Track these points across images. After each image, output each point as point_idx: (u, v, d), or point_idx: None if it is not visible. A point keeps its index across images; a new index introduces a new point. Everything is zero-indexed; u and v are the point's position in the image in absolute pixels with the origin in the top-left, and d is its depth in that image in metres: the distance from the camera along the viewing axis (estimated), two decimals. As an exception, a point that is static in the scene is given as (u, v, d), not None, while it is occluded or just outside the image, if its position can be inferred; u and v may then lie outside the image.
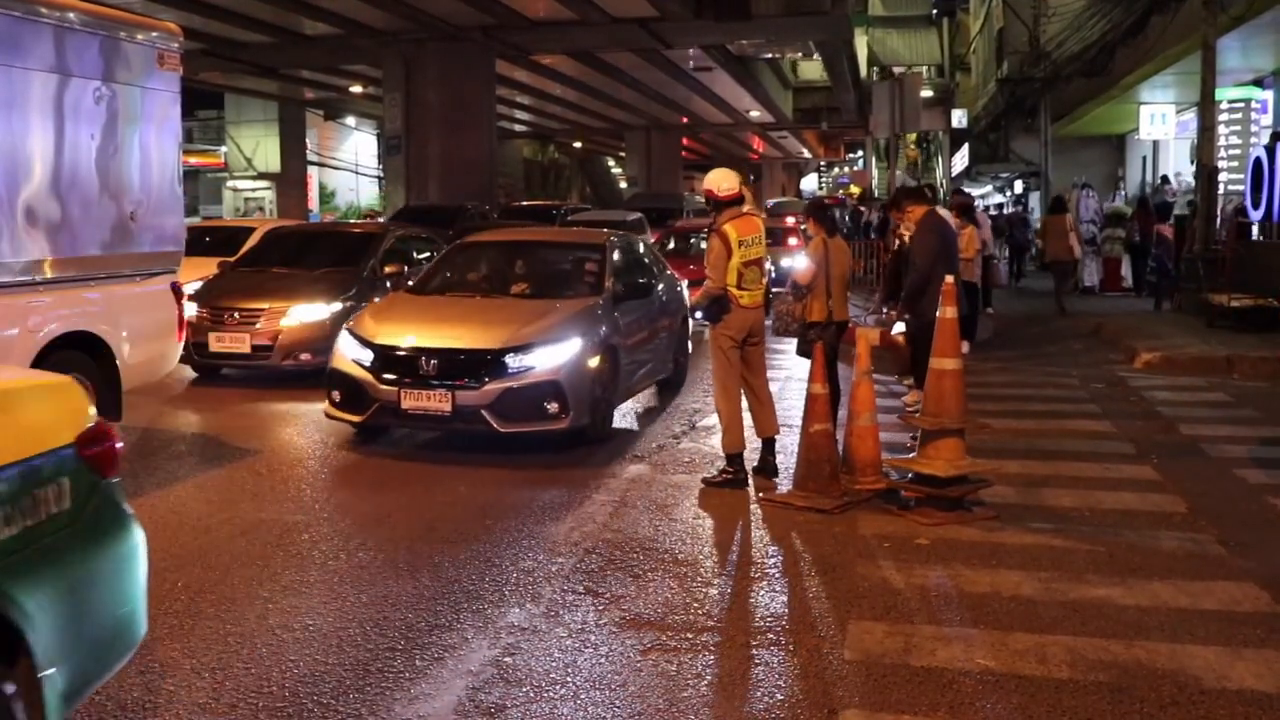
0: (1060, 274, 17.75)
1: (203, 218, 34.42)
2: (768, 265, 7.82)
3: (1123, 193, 24.94)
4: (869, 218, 29.26)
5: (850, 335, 7.96)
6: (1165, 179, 23.96)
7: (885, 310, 9.98)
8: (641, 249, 10.56)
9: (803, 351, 8.07)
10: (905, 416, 7.56)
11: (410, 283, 9.59)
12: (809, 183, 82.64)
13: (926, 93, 28.41)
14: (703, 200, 8.08)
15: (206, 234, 14.17)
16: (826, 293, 7.73)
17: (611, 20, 24.00)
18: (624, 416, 9.20)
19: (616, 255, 9.30)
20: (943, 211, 10.09)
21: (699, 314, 7.31)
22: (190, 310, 9.91)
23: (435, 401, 7.49)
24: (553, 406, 7.51)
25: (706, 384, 9.44)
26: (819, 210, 8.41)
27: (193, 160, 38.20)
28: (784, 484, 6.91)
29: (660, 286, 10.10)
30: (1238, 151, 19.57)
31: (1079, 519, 6.21)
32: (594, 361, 7.85)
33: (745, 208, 7.26)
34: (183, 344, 8.68)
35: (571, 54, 27.85)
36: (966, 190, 23.16)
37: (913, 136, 47.76)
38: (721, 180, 7.14)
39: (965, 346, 8.80)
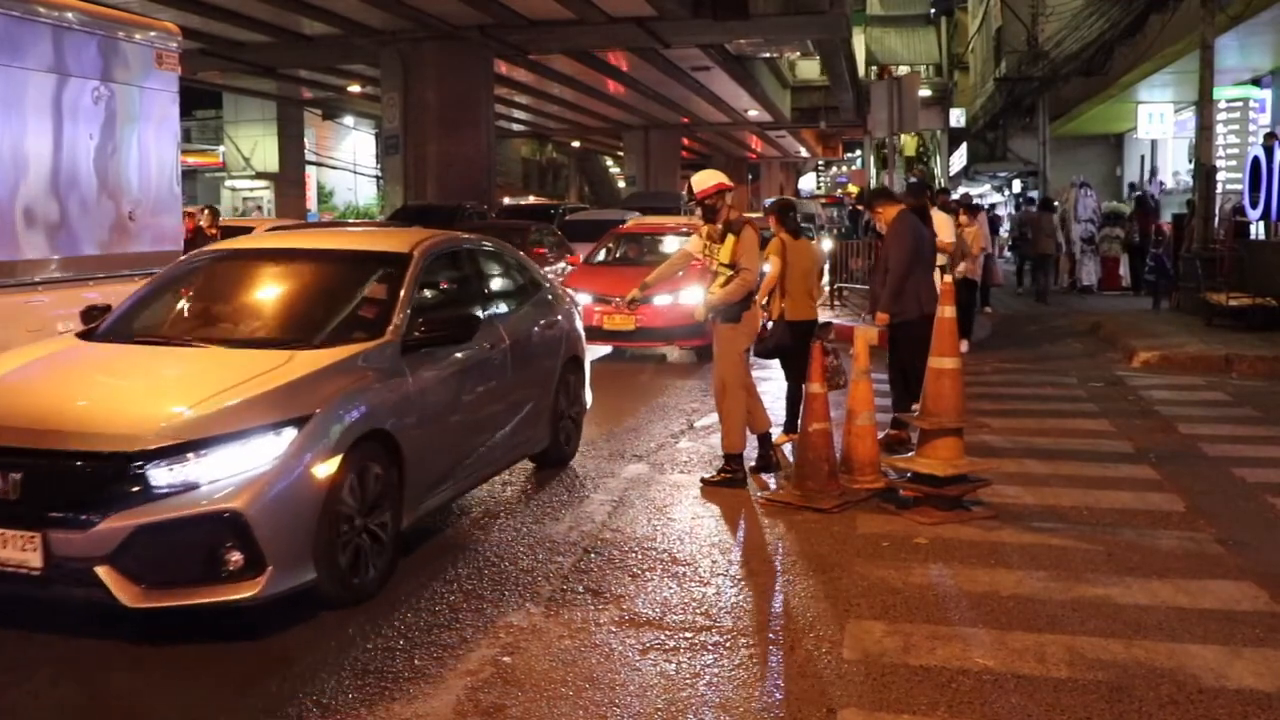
0: (1045, 267, 19.41)
1: (201, 217, 34.33)
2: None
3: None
4: (868, 217, 29.21)
5: (849, 335, 7.96)
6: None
7: (863, 316, 9.97)
8: (492, 256, 7.13)
9: (760, 352, 7.75)
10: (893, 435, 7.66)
11: (110, 318, 5.84)
12: (807, 182, 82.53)
13: (924, 92, 28.40)
14: (696, 203, 7.13)
15: (205, 234, 14.14)
16: (782, 291, 7.67)
17: (609, 19, 23.98)
18: (621, 417, 9.19)
19: (429, 272, 6.05)
20: (938, 213, 10.09)
21: (712, 314, 7.07)
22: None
23: (13, 549, 4.25)
24: (233, 557, 4.36)
25: (703, 385, 9.42)
26: (782, 211, 8.09)
27: (191, 160, 38.14)
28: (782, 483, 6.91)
29: (521, 313, 6.94)
30: (1236, 151, 19.62)
31: (1078, 518, 6.22)
32: (328, 466, 4.62)
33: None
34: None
35: (570, 53, 27.83)
36: (945, 190, 23.57)
37: (911, 147, 47.84)
38: (716, 175, 7.12)
39: (964, 345, 8.81)
